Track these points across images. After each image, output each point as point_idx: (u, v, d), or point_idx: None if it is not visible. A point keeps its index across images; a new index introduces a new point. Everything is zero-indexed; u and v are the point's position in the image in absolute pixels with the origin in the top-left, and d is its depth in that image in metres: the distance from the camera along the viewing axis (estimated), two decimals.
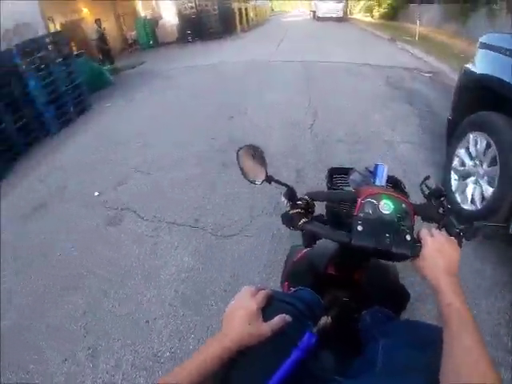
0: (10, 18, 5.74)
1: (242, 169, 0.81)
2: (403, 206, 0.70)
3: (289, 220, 0.76)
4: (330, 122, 4.15)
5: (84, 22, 12.63)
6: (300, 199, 0.78)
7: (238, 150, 0.80)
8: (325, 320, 0.71)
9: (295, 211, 0.76)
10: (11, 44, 5.55)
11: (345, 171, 0.97)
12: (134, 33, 14.10)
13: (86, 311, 1.98)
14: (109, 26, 14.33)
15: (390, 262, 0.91)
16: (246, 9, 14.91)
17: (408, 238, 0.65)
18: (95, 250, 2.47)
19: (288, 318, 0.62)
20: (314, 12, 18.07)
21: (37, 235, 2.73)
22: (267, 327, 0.59)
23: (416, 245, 0.65)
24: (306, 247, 1.06)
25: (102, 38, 10.15)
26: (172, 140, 4.16)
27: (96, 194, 3.19)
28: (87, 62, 7.00)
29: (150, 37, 13.79)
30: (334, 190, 0.96)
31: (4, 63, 4.57)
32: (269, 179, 0.78)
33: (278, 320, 0.61)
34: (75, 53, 6.86)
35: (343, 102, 4.82)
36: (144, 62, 9.94)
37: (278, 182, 0.79)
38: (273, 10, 24.65)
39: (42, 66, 4.92)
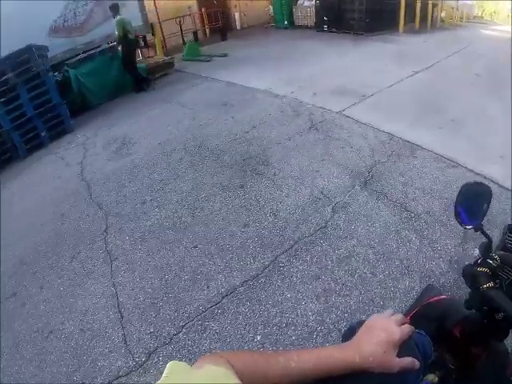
0: None
1: (456, 205, 0.78)
2: None
3: (472, 276, 0.70)
4: None
5: None
6: (492, 258, 0.70)
7: (465, 184, 0.78)
8: (432, 378, 0.68)
9: (483, 269, 0.69)
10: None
11: None
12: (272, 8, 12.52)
13: None
14: None
15: None
16: (432, 5, 10.21)
17: None
18: None
19: (417, 365, 0.54)
20: None
21: None
22: (397, 363, 0.53)
23: None
24: (467, 307, 0.79)
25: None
26: None
27: None
28: (113, 61, 6.53)
29: (285, 16, 11.88)
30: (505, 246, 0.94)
31: None
32: (478, 227, 0.74)
33: (409, 362, 0.54)
34: (101, 48, 6.48)
35: None
36: (226, 54, 8.52)
37: (484, 233, 0.73)
38: (483, 17, 16.10)
39: (6, 90, 4.74)
